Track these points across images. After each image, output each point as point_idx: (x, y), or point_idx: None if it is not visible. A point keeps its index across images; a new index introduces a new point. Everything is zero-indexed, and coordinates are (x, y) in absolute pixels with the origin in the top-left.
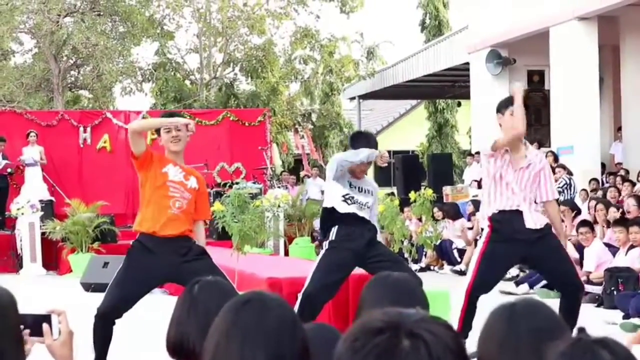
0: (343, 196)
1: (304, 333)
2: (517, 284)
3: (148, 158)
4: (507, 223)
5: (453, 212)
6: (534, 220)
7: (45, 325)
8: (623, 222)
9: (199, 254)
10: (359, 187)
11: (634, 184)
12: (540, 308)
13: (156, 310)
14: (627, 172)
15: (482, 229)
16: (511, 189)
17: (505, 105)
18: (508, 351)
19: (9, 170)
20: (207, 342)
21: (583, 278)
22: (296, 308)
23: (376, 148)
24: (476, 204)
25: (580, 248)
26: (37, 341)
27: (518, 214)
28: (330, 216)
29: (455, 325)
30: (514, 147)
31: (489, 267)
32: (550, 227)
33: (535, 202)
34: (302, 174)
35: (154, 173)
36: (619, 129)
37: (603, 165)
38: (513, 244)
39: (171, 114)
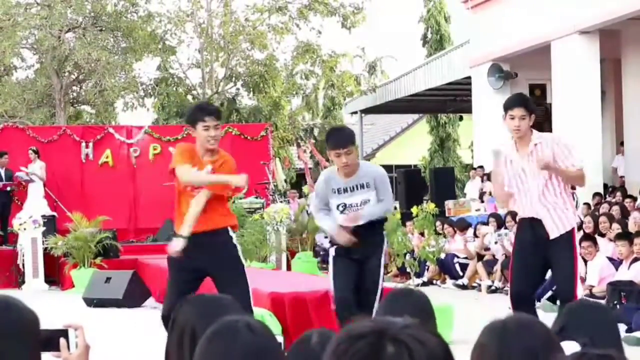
0: (337, 207)
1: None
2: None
3: None
4: (526, 230)
5: (462, 226)
6: (556, 225)
7: (62, 340)
8: (626, 235)
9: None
10: (350, 187)
11: (635, 199)
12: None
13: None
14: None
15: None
16: (527, 193)
17: (504, 107)
18: None
19: (8, 189)
20: None
21: (585, 292)
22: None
23: (346, 143)
24: (497, 217)
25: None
26: (54, 355)
27: (538, 221)
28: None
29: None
30: (520, 144)
31: (522, 276)
32: (570, 233)
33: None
34: (305, 188)
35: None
36: (621, 142)
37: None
38: (535, 249)
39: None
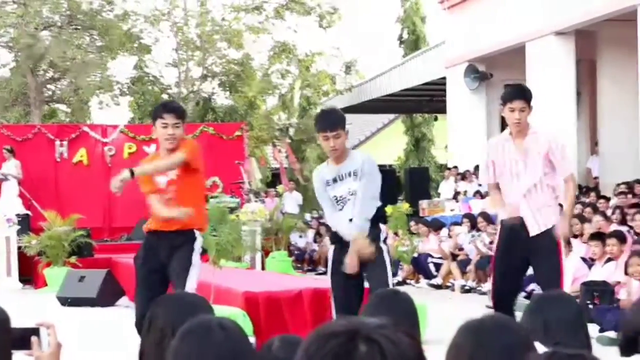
0: (331, 199)
1: None
2: None
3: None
4: (507, 231)
5: (436, 226)
6: (537, 223)
7: (34, 338)
8: (599, 236)
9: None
10: (339, 176)
11: (608, 200)
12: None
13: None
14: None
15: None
16: (516, 185)
17: (503, 99)
18: None
19: None
20: None
21: None
22: None
23: (335, 126)
24: (471, 217)
25: None
26: (26, 354)
27: (519, 221)
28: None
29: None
30: (518, 136)
31: (503, 277)
32: (552, 230)
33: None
34: (279, 188)
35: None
36: (596, 143)
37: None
38: (515, 251)
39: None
